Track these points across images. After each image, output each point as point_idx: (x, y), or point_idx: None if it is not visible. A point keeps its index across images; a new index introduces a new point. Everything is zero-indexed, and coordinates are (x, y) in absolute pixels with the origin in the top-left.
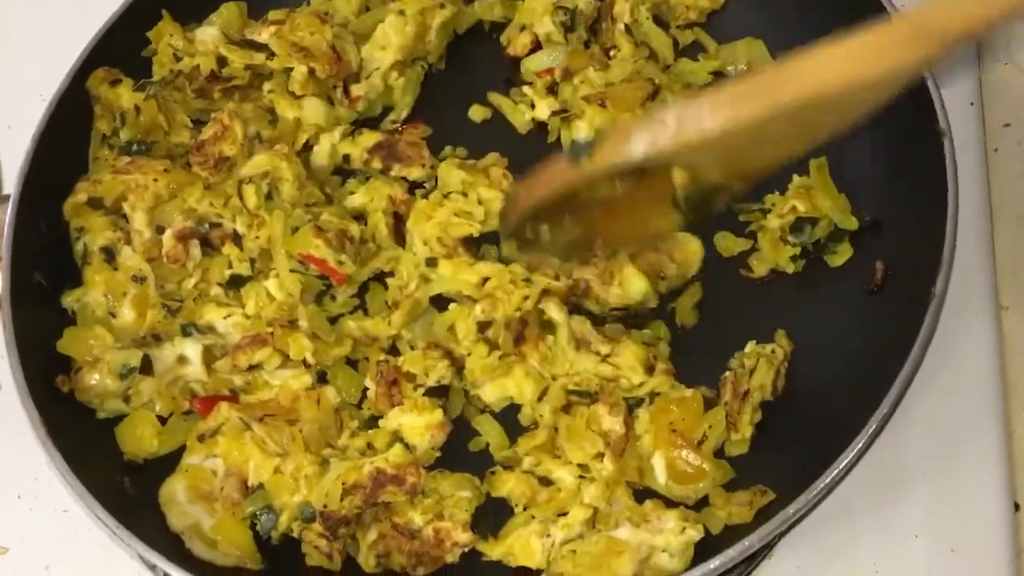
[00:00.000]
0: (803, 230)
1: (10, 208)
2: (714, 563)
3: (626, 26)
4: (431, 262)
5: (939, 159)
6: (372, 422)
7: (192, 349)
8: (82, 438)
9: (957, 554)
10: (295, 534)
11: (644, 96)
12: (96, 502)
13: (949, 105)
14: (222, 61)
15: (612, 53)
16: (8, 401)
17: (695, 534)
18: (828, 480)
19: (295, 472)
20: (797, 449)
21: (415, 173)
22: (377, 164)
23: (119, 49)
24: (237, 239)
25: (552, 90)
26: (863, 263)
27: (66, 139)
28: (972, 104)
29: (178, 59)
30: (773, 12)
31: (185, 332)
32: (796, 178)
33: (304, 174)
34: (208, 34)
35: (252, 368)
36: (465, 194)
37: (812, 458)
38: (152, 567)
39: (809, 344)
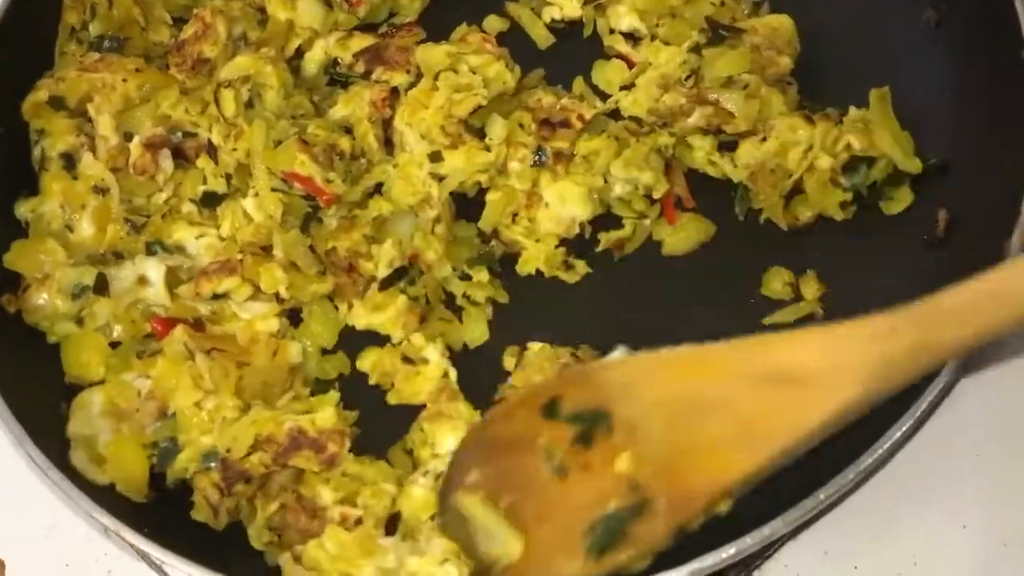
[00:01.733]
0: (858, 171)
1: None
2: (730, 550)
3: None
4: (435, 157)
5: (1021, 92)
6: (322, 385)
7: (154, 270)
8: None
9: (1010, 549)
10: (188, 476)
11: None
12: None
13: None
14: None
15: None
16: None
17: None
18: (866, 465)
19: (213, 411)
20: None
21: (398, 79)
22: (360, 68)
23: None
24: (212, 151)
25: None
26: (924, 211)
27: (29, 32)
28: None
29: None
30: None
31: (150, 251)
32: (853, 110)
33: (291, 82)
34: None
35: (218, 297)
36: (455, 70)
37: (851, 435)
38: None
39: (857, 302)
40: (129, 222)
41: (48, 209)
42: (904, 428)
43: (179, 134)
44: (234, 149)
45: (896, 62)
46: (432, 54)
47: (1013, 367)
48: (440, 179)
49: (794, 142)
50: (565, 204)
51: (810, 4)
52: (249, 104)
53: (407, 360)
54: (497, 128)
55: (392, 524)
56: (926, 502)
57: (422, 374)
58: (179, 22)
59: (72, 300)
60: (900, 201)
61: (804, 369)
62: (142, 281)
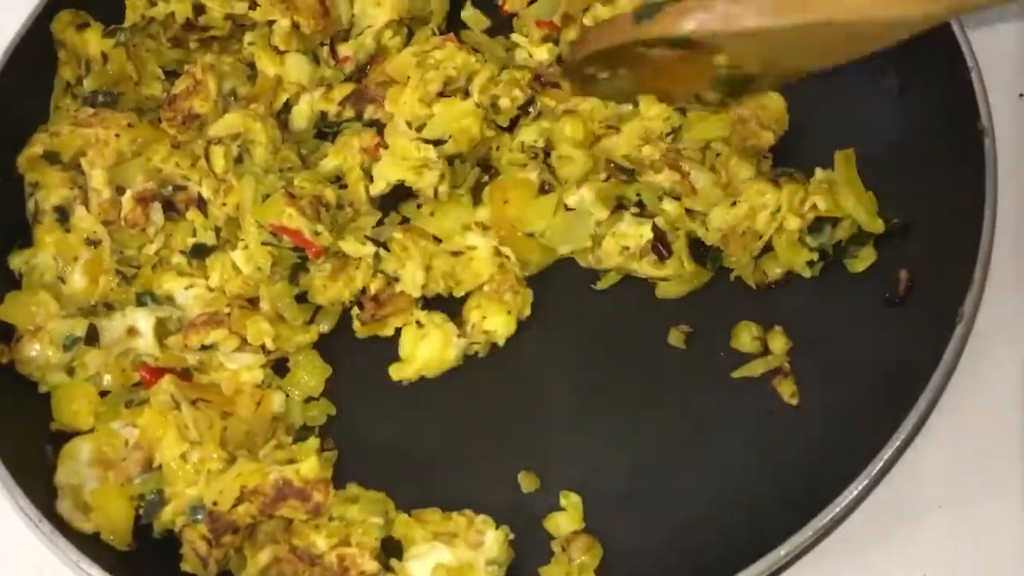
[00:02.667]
0: (823, 231)
1: None
2: None
3: None
4: (421, 128)
5: (977, 161)
6: (304, 432)
7: (144, 321)
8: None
9: None
10: (176, 529)
11: None
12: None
13: (994, 99)
14: (200, 8)
15: None
16: None
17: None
18: (826, 520)
19: (199, 464)
20: (798, 474)
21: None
22: (349, 113)
23: None
24: (202, 204)
25: (552, 40)
26: (887, 271)
27: (25, 88)
28: (1021, 96)
29: (152, 4)
30: None
31: (140, 301)
32: (819, 171)
33: (279, 137)
34: None
35: (206, 348)
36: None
37: (814, 487)
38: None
39: (821, 356)
40: (120, 273)
41: (41, 261)
42: (864, 483)
43: (170, 188)
44: (224, 203)
45: (862, 125)
46: (400, 60)
47: (971, 416)
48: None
49: (762, 205)
50: None
51: None
52: (238, 159)
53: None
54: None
55: (387, 548)
56: (888, 552)
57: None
58: (171, 76)
59: (64, 351)
60: (864, 259)
61: None
62: (132, 332)
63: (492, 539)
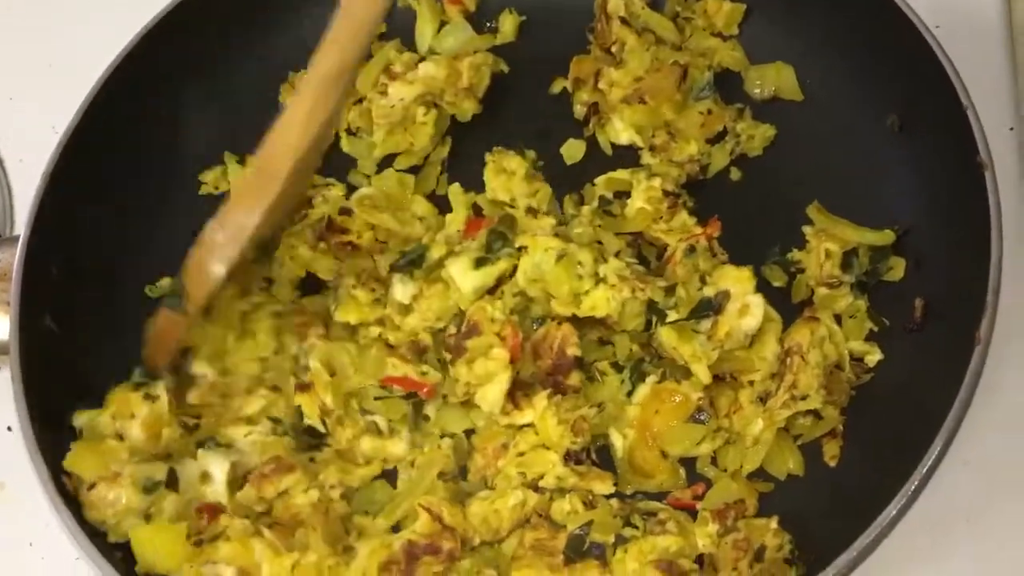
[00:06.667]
0: (852, 264)
1: (19, 251)
2: None
3: (621, 19)
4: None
5: (980, 194)
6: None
7: (218, 467)
8: None
9: None
10: None
11: (676, 80)
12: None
13: (986, 131)
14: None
15: (615, 49)
16: (15, 442)
17: None
18: (868, 541)
19: (318, 564)
20: (830, 499)
21: None
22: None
23: (134, 82)
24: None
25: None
26: (903, 299)
27: (78, 176)
28: (1011, 129)
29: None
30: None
31: (204, 447)
32: (806, 228)
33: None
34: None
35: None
36: None
37: (845, 519)
38: None
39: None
40: (183, 424)
41: (101, 420)
42: (899, 505)
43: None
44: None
45: (864, 163)
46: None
47: (993, 432)
48: None
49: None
50: None
51: (788, 109)
52: None
53: None
54: None
55: None
56: (921, 569)
57: None
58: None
59: (145, 494)
60: (897, 265)
61: None
62: (205, 477)
63: None
